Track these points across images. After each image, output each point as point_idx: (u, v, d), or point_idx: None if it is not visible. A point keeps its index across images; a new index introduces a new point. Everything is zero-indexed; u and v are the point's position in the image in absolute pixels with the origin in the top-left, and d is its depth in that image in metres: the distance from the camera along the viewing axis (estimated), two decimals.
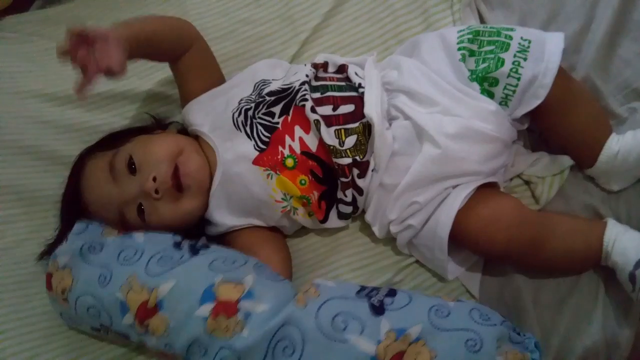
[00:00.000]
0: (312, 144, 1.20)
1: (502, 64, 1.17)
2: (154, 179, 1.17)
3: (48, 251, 1.24)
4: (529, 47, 1.18)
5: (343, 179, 1.20)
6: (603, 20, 1.32)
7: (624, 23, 1.32)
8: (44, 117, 1.40)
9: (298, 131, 1.20)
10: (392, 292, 1.09)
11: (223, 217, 1.25)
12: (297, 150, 1.20)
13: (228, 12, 1.50)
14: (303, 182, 1.20)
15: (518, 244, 1.15)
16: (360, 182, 1.22)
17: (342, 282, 1.16)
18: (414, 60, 1.25)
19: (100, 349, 1.23)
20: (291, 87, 1.23)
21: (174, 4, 1.51)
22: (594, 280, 1.23)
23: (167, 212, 1.20)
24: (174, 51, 1.28)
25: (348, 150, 1.19)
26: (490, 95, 1.19)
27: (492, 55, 1.19)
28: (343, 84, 1.27)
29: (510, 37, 1.19)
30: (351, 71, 1.28)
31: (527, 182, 1.30)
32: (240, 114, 1.23)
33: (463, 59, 1.20)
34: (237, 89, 1.29)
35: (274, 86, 1.25)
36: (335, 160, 1.19)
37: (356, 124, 1.21)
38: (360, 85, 1.24)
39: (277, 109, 1.22)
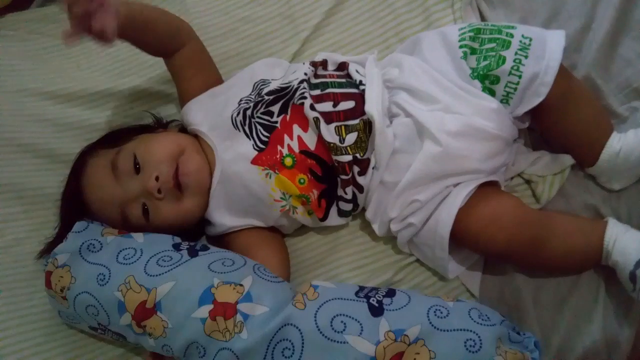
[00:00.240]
0: (311, 142, 1.20)
1: (504, 61, 1.17)
2: (157, 179, 1.17)
3: (47, 249, 1.24)
4: (530, 44, 1.17)
5: (343, 177, 1.20)
6: (604, 20, 1.31)
7: (625, 22, 1.31)
8: (43, 115, 1.40)
9: (296, 130, 1.20)
10: (391, 293, 1.09)
11: (222, 217, 1.25)
12: (296, 149, 1.20)
13: (228, 11, 1.50)
14: (302, 181, 1.20)
15: (519, 243, 1.15)
16: (360, 180, 1.21)
17: (340, 283, 1.16)
18: (415, 58, 1.25)
19: (99, 349, 1.23)
20: (290, 86, 1.23)
21: (174, 2, 1.51)
22: (594, 279, 1.23)
23: (170, 211, 1.21)
24: (165, 45, 1.29)
25: (348, 148, 1.19)
26: (492, 93, 1.19)
27: (494, 53, 1.18)
28: (343, 80, 1.27)
29: (512, 35, 1.19)
30: (352, 68, 1.28)
31: (528, 181, 1.30)
32: (239, 113, 1.23)
33: (464, 57, 1.20)
34: (236, 88, 1.29)
35: (273, 86, 1.25)
36: (335, 157, 1.19)
37: (357, 121, 1.21)
38: (361, 83, 1.24)
39: (275, 108, 1.21)
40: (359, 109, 1.21)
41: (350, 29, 1.46)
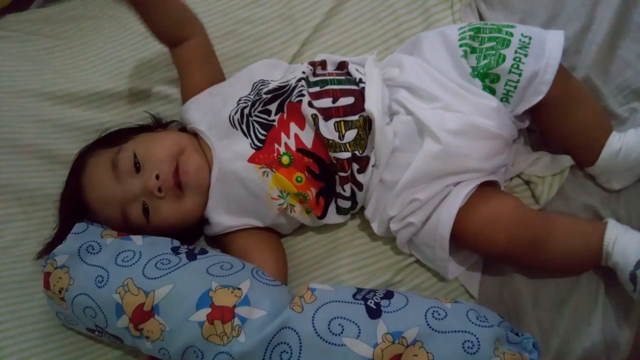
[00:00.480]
0: (308, 140, 1.20)
1: (503, 60, 1.17)
2: (157, 177, 1.18)
3: (46, 250, 1.24)
4: (529, 43, 1.18)
5: (341, 174, 1.20)
6: (604, 21, 1.31)
7: (625, 24, 1.31)
8: (43, 115, 1.40)
9: (293, 128, 1.20)
10: (389, 295, 1.09)
11: (220, 217, 1.25)
12: (293, 147, 1.20)
13: (228, 12, 1.50)
14: (299, 179, 1.20)
15: (518, 244, 1.15)
16: (360, 178, 1.22)
17: (338, 285, 1.15)
18: (416, 57, 1.25)
19: (97, 350, 1.23)
20: (287, 84, 1.23)
21: None
22: (593, 281, 1.23)
23: (170, 210, 1.21)
24: (174, 30, 1.31)
25: (348, 144, 1.20)
26: (492, 91, 1.19)
27: (493, 52, 1.18)
28: (343, 78, 1.27)
29: (511, 34, 1.19)
30: (352, 67, 1.28)
31: (527, 182, 1.30)
32: (237, 112, 1.23)
33: (465, 56, 1.20)
34: (235, 88, 1.29)
35: (272, 85, 1.25)
36: (333, 154, 1.19)
37: (356, 117, 1.21)
38: (360, 80, 1.25)
39: (273, 107, 1.22)
40: (358, 105, 1.22)
41: (350, 30, 1.46)
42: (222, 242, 1.29)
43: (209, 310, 1.04)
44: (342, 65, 1.31)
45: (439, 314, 1.04)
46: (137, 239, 1.18)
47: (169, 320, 1.06)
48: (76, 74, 1.46)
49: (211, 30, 1.45)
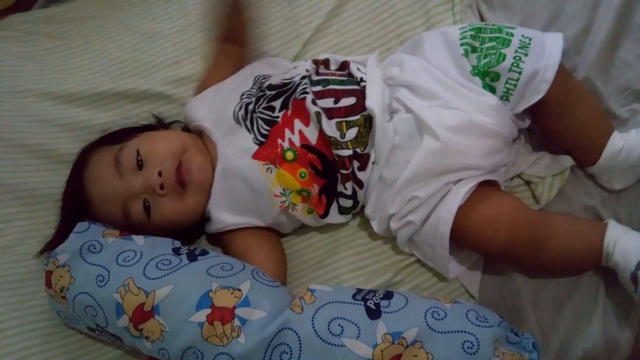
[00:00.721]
0: (312, 136, 1.21)
1: (504, 58, 1.18)
2: (160, 174, 1.18)
3: (47, 248, 1.25)
4: (529, 43, 1.18)
5: (343, 171, 1.21)
6: (604, 22, 1.31)
7: (625, 25, 1.31)
8: (44, 115, 1.40)
9: (298, 124, 1.21)
10: (388, 295, 1.09)
11: (222, 214, 1.25)
12: (297, 143, 1.20)
13: None
14: (303, 174, 1.21)
15: (518, 244, 1.15)
16: (360, 175, 1.22)
17: (338, 286, 1.16)
18: (417, 57, 1.26)
19: (98, 350, 1.23)
20: (292, 81, 1.24)
21: (176, 3, 1.52)
22: (594, 281, 1.23)
23: (172, 208, 1.21)
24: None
25: (349, 142, 1.20)
26: (492, 90, 1.19)
27: (494, 51, 1.19)
28: (344, 78, 1.28)
29: (512, 34, 1.19)
30: (353, 67, 1.29)
31: (528, 182, 1.31)
32: (241, 108, 1.24)
33: (465, 54, 1.20)
34: (238, 83, 1.30)
35: (275, 80, 1.26)
36: (335, 152, 1.19)
37: (357, 117, 1.21)
38: (362, 80, 1.25)
39: (277, 104, 1.22)
40: (359, 105, 1.22)
41: (351, 30, 1.46)
42: (222, 240, 1.29)
43: (209, 311, 1.05)
44: (344, 65, 1.32)
45: (439, 314, 1.04)
46: (139, 239, 1.18)
47: (169, 320, 1.06)
48: (78, 74, 1.46)
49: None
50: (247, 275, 1.11)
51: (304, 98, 1.21)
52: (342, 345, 1.01)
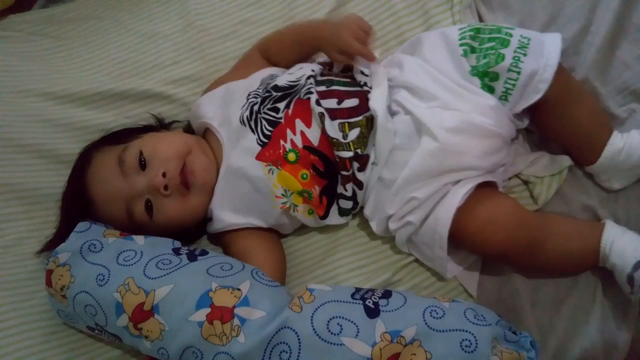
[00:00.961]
0: (314, 138, 1.21)
1: (503, 59, 1.18)
2: (164, 175, 1.18)
3: (47, 247, 1.25)
4: (528, 44, 1.19)
5: (344, 173, 1.21)
6: (603, 23, 1.32)
7: (624, 26, 1.32)
8: (45, 115, 1.40)
9: (299, 125, 1.21)
10: (387, 294, 1.09)
11: (223, 214, 1.26)
12: (299, 144, 1.21)
13: (230, 13, 1.50)
14: (305, 176, 1.21)
15: (515, 245, 1.16)
16: (360, 176, 1.22)
17: (337, 286, 1.16)
18: (416, 58, 1.26)
19: (98, 349, 1.24)
20: (298, 83, 1.24)
21: (176, 3, 1.52)
22: (591, 281, 1.23)
23: (175, 208, 1.22)
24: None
25: (351, 143, 1.21)
26: (491, 90, 1.20)
27: (493, 51, 1.19)
28: (348, 80, 1.28)
29: (511, 35, 1.20)
30: (356, 70, 1.29)
31: (526, 182, 1.31)
32: (247, 109, 1.24)
33: (465, 55, 1.21)
34: (247, 84, 1.30)
35: (280, 81, 1.26)
36: (336, 153, 1.20)
37: (359, 118, 1.22)
38: (365, 84, 1.25)
39: (282, 105, 1.23)
40: (362, 106, 1.23)
41: None
42: (223, 240, 1.29)
43: (208, 310, 1.05)
44: (347, 68, 1.33)
45: (437, 313, 1.04)
46: (139, 239, 1.18)
47: (168, 319, 1.06)
48: (78, 74, 1.46)
49: (212, 30, 1.47)
50: (246, 275, 1.12)
51: (308, 98, 1.21)
52: (341, 344, 1.01)
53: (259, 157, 1.22)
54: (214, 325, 1.04)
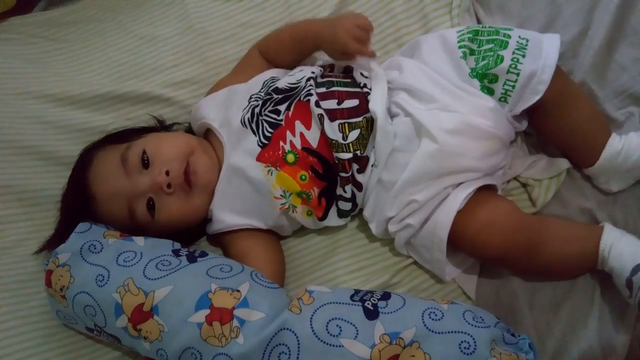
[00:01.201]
0: (313, 139, 1.21)
1: (502, 60, 1.19)
2: (167, 174, 1.19)
3: (46, 246, 1.25)
4: (526, 45, 1.19)
5: (343, 174, 1.21)
6: (601, 26, 1.32)
7: (622, 29, 1.32)
8: (44, 117, 1.40)
9: (299, 127, 1.22)
10: (386, 296, 1.10)
11: (223, 214, 1.26)
12: (298, 146, 1.21)
13: (230, 16, 1.50)
14: (303, 177, 1.22)
15: (513, 248, 1.16)
16: (359, 177, 1.23)
17: (336, 287, 1.16)
18: (415, 60, 1.26)
19: (97, 350, 1.24)
20: (298, 85, 1.25)
21: (176, 6, 1.52)
22: (590, 283, 1.23)
23: (177, 208, 1.22)
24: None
25: (350, 144, 1.21)
26: (490, 91, 1.20)
27: (492, 53, 1.20)
28: (348, 81, 1.29)
29: (509, 36, 1.20)
30: (356, 72, 1.29)
31: (524, 185, 1.31)
32: (248, 111, 1.25)
33: (464, 57, 1.21)
34: (249, 86, 1.31)
35: (281, 83, 1.27)
36: (336, 155, 1.20)
37: (359, 119, 1.22)
38: (365, 85, 1.26)
39: (283, 107, 1.23)
40: (362, 107, 1.23)
41: None
42: (222, 241, 1.30)
43: (207, 311, 1.05)
44: (347, 69, 1.33)
45: (436, 315, 1.04)
46: (139, 240, 1.18)
47: (167, 320, 1.06)
48: (78, 76, 1.46)
49: (212, 33, 1.47)
50: (246, 276, 1.12)
51: (308, 100, 1.21)
52: (340, 346, 1.01)
53: (259, 158, 1.22)
54: (213, 327, 1.04)
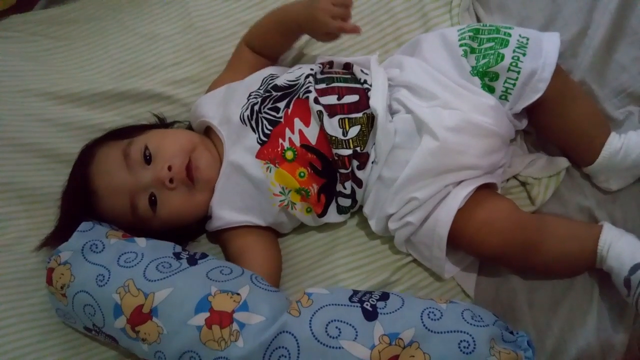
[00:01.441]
0: (312, 136, 1.22)
1: (502, 58, 1.19)
2: (169, 169, 1.19)
3: (47, 242, 1.26)
4: (527, 43, 1.20)
5: (342, 171, 1.22)
6: (600, 25, 1.32)
7: (621, 28, 1.32)
8: (45, 115, 1.40)
9: (298, 124, 1.22)
10: (384, 296, 1.10)
11: (223, 211, 1.26)
12: (297, 142, 1.21)
13: (230, 15, 1.50)
14: (302, 174, 1.22)
15: (512, 247, 1.16)
16: (359, 174, 1.23)
17: (334, 289, 1.16)
18: (416, 58, 1.26)
19: (95, 349, 1.24)
20: (297, 82, 1.25)
21: (177, 5, 1.52)
22: (588, 282, 1.24)
23: (179, 203, 1.22)
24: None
25: (350, 141, 1.21)
26: (491, 89, 1.21)
27: (492, 51, 1.20)
28: (348, 77, 1.29)
29: (509, 34, 1.21)
30: (356, 68, 1.30)
31: (524, 183, 1.31)
32: (247, 109, 1.25)
33: (465, 55, 1.22)
34: (247, 84, 1.31)
35: (280, 81, 1.27)
36: (335, 151, 1.20)
37: (360, 114, 1.22)
38: (365, 82, 1.26)
39: (282, 104, 1.23)
40: (362, 103, 1.23)
41: None
42: (221, 238, 1.30)
43: (207, 314, 1.05)
44: (347, 66, 1.33)
45: (435, 315, 1.05)
46: (141, 241, 1.18)
47: (167, 323, 1.06)
48: (79, 74, 1.46)
49: (212, 32, 1.47)
50: (246, 279, 1.12)
51: (307, 97, 1.22)
52: (339, 348, 1.02)
53: (258, 155, 1.22)
54: (213, 330, 1.04)
